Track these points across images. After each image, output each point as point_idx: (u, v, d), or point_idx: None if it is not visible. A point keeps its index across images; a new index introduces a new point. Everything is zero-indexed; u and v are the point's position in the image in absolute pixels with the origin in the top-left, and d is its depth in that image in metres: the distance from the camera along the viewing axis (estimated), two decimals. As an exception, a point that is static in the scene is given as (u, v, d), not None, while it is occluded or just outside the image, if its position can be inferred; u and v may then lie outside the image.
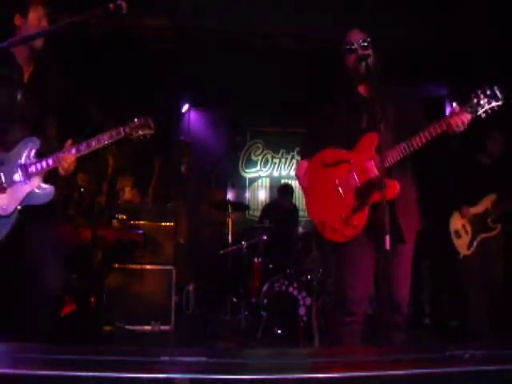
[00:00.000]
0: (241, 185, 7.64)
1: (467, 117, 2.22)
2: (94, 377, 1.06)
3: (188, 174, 6.69)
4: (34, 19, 2.47)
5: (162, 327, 4.69)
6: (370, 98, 2.53)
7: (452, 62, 5.27)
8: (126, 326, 4.58)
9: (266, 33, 5.42)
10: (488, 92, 2.19)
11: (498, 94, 2.18)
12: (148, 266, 4.90)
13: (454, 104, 2.28)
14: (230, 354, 1.65)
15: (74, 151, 2.40)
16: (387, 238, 2.10)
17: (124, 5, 1.98)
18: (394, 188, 2.32)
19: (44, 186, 2.39)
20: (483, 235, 4.07)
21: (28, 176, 2.37)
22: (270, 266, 5.17)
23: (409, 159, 2.53)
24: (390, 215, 2.24)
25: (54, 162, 2.38)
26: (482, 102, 2.19)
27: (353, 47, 2.52)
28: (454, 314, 4.97)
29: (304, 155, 2.75)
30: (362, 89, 2.60)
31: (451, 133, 2.27)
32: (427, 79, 5.62)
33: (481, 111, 2.21)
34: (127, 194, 5.88)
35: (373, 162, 2.40)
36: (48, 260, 2.42)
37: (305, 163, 2.63)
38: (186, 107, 7.09)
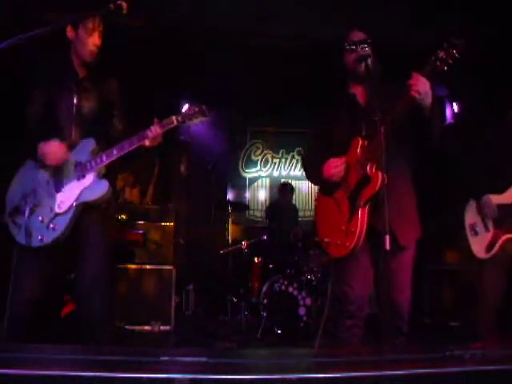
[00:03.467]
0: (241, 185, 7.64)
1: (422, 80, 2.22)
2: (93, 377, 1.06)
3: (188, 174, 6.69)
4: (84, 34, 2.50)
5: (162, 327, 4.69)
6: (367, 103, 2.54)
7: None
8: (126, 326, 4.58)
9: (266, 33, 5.43)
10: (444, 45, 2.19)
11: (455, 41, 2.17)
12: (148, 266, 4.89)
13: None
14: (230, 354, 1.65)
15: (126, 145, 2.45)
16: (387, 237, 2.10)
17: (124, 5, 1.99)
18: (377, 178, 2.30)
19: (98, 180, 2.47)
20: (509, 235, 3.07)
21: (84, 173, 2.46)
22: (270, 266, 5.17)
23: (408, 164, 2.53)
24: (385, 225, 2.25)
25: (107, 157, 2.45)
26: (440, 55, 2.19)
27: (353, 46, 2.52)
28: (454, 314, 4.97)
29: (310, 174, 2.75)
30: (359, 90, 2.60)
31: (416, 100, 2.25)
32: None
33: (440, 64, 2.19)
34: (127, 194, 5.88)
35: (358, 164, 2.42)
36: (95, 257, 2.49)
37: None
38: (186, 107, 7.09)
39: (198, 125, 2.58)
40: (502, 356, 1.36)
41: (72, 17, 2.39)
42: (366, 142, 2.43)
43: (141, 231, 4.87)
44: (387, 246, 2.10)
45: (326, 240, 2.54)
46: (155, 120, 2.48)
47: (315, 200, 2.85)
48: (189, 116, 2.50)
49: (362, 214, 2.38)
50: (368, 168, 2.36)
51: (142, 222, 5.01)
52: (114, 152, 2.44)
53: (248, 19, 5.13)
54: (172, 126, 2.49)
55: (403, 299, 2.42)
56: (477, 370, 1.17)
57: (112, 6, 1.98)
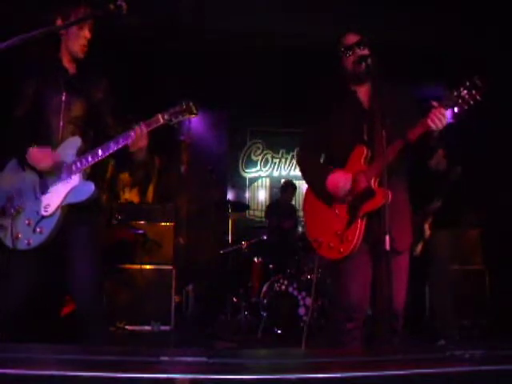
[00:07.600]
0: (241, 185, 7.64)
1: (442, 111, 2.21)
2: (93, 377, 1.06)
3: (188, 174, 6.69)
4: (75, 27, 2.43)
5: (162, 327, 4.69)
6: (370, 103, 2.53)
7: (452, 62, 5.26)
8: (126, 326, 4.58)
9: (266, 33, 5.42)
10: (467, 84, 2.18)
11: (478, 82, 2.16)
12: (148, 266, 4.90)
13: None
14: (230, 354, 1.65)
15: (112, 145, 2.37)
16: (387, 237, 2.11)
17: (124, 5, 1.98)
18: (383, 195, 2.30)
19: (84, 182, 2.39)
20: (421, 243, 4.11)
21: (70, 174, 2.39)
22: (270, 266, 5.17)
23: (405, 174, 2.54)
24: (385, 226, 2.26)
25: (92, 158, 2.38)
26: (462, 93, 2.18)
27: (350, 51, 2.51)
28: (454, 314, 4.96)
29: (308, 176, 2.69)
30: (361, 90, 2.59)
31: (433, 130, 2.25)
32: (427, 79, 5.62)
33: (461, 101, 2.18)
34: (127, 194, 5.87)
35: (363, 175, 2.41)
36: (87, 258, 2.44)
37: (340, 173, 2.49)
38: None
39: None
40: (502, 356, 1.36)
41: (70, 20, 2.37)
42: (369, 152, 2.43)
43: (141, 231, 4.87)
44: (387, 246, 2.11)
45: (318, 239, 2.51)
46: (141, 122, 2.40)
47: (305, 195, 2.72)
48: (175, 114, 2.40)
49: (361, 224, 2.38)
50: (373, 182, 2.37)
51: (142, 222, 5.01)
52: (100, 152, 2.38)
53: (248, 19, 5.13)
54: (158, 124, 2.40)
55: (399, 300, 2.43)
56: (477, 370, 1.17)
57: (112, 6, 1.98)
